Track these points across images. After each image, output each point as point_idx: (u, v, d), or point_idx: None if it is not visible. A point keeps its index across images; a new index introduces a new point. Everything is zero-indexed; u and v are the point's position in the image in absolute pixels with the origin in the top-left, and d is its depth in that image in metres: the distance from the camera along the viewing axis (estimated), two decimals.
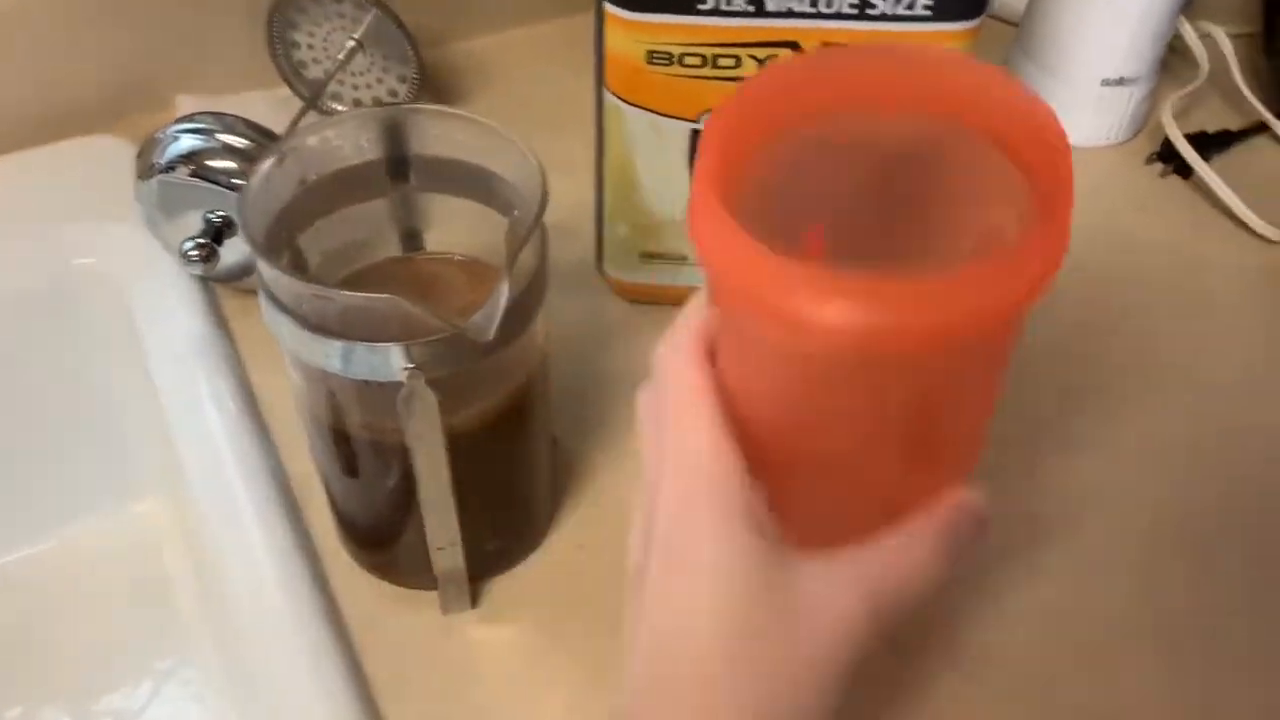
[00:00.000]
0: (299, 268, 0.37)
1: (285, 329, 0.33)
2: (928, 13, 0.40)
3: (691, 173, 0.44)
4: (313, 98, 0.57)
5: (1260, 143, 0.60)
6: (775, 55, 0.42)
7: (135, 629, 0.56)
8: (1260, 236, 0.55)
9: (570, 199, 0.51)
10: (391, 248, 0.41)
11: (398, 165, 0.38)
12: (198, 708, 0.53)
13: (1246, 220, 0.55)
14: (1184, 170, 0.58)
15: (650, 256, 0.49)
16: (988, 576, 0.42)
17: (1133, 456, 0.46)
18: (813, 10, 0.40)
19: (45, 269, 0.52)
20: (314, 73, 0.58)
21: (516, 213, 0.36)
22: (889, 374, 0.26)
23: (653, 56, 0.42)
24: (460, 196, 0.38)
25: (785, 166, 0.28)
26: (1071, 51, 0.58)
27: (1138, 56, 0.57)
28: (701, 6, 0.40)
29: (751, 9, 0.40)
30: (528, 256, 0.33)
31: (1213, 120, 0.61)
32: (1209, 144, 0.59)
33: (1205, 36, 0.62)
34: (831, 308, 0.22)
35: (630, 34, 0.41)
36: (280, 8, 0.55)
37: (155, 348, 0.49)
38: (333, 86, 0.58)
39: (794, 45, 0.41)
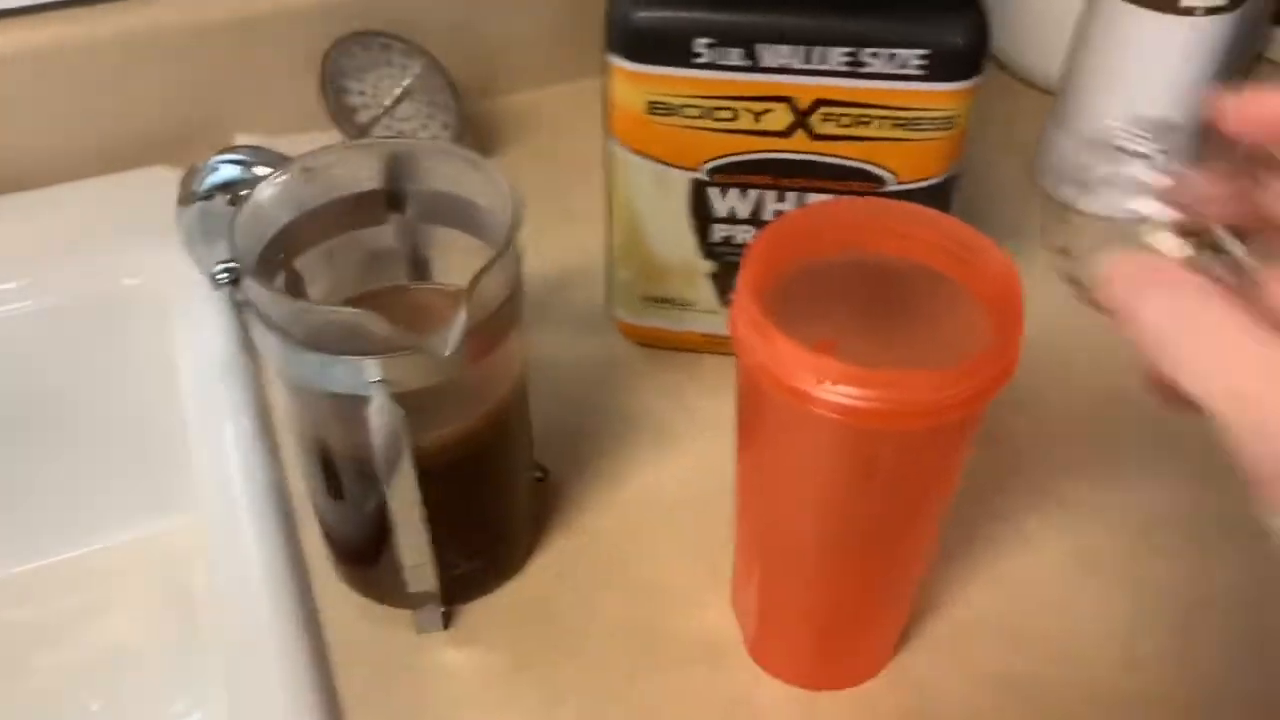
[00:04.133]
0: (296, 289, 0.39)
1: (271, 344, 0.36)
2: (921, 72, 0.41)
3: (693, 222, 0.46)
4: (357, 139, 0.60)
5: None
6: (770, 109, 0.43)
7: (158, 638, 0.59)
8: None
9: (589, 245, 0.53)
10: (399, 277, 0.43)
11: (394, 197, 0.40)
12: (199, 714, 0.55)
13: None
14: None
15: (654, 300, 0.50)
16: None
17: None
18: (806, 67, 0.42)
19: (95, 288, 0.55)
20: (363, 117, 0.61)
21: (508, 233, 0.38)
22: (872, 443, 0.32)
23: (654, 107, 0.43)
24: (453, 228, 0.40)
25: (801, 284, 0.35)
26: (1108, 123, 0.58)
27: None
28: (698, 60, 0.42)
29: (747, 64, 0.42)
30: (496, 282, 0.35)
31: None
32: None
33: None
34: (827, 387, 0.30)
35: (632, 84, 0.43)
36: (333, 55, 0.59)
37: (186, 366, 0.52)
38: (379, 130, 0.62)
39: (788, 100, 0.43)
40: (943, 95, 0.42)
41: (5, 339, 0.55)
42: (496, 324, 0.36)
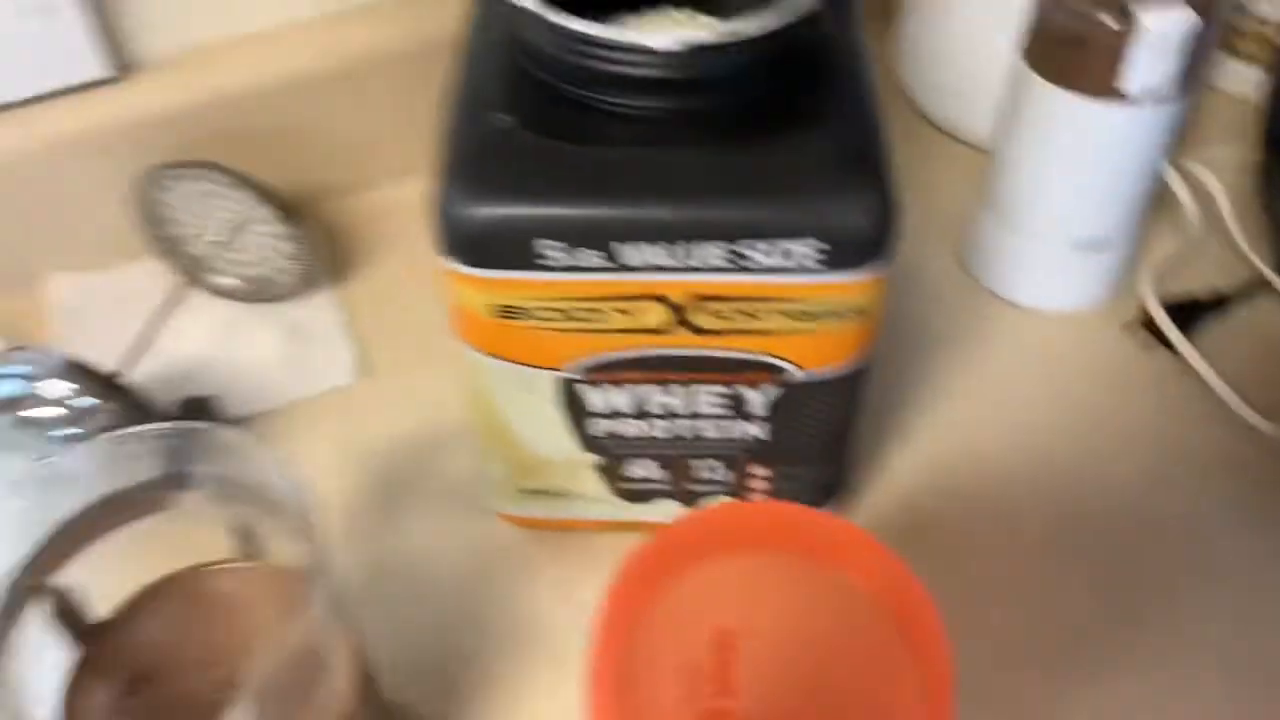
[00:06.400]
0: (67, 605, 0.32)
1: None
2: (819, 265, 0.34)
3: (567, 419, 0.38)
4: (191, 273, 0.52)
5: (1263, 304, 0.53)
6: (641, 307, 0.35)
7: None
8: (1249, 425, 0.48)
9: (459, 399, 0.45)
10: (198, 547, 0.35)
11: (178, 479, 0.32)
12: None
13: (1233, 405, 0.48)
14: (1169, 340, 0.51)
15: (535, 492, 0.43)
16: None
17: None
18: (677, 264, 0.34)
19: None
20: (195, 248, 0.53)
21: (307, 547, 0.31)
22: None
23: (503, 311, 0.36)
24: (248, 508, 0.33)
25: (697, 587, 0.30)
26: (1039, 210, 0.51)
27: (1113, 215, 0.50)
28: (549, 264, 0.34)
29: (610, 265, 0.34)
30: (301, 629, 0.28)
31: (1207, 277, 0.53)
32: (1198, 310, 0.52)
33: (1194, 181, 0.54)
34: None
35: (474, 289, 0.35)
36: (146, 188, 0.50)
37: None
38: (214, 261, 0.53)
39: (662, 299, 0.35)
40: (848, 286, 0.35)
41: None
42: (302, 676, 0.29)
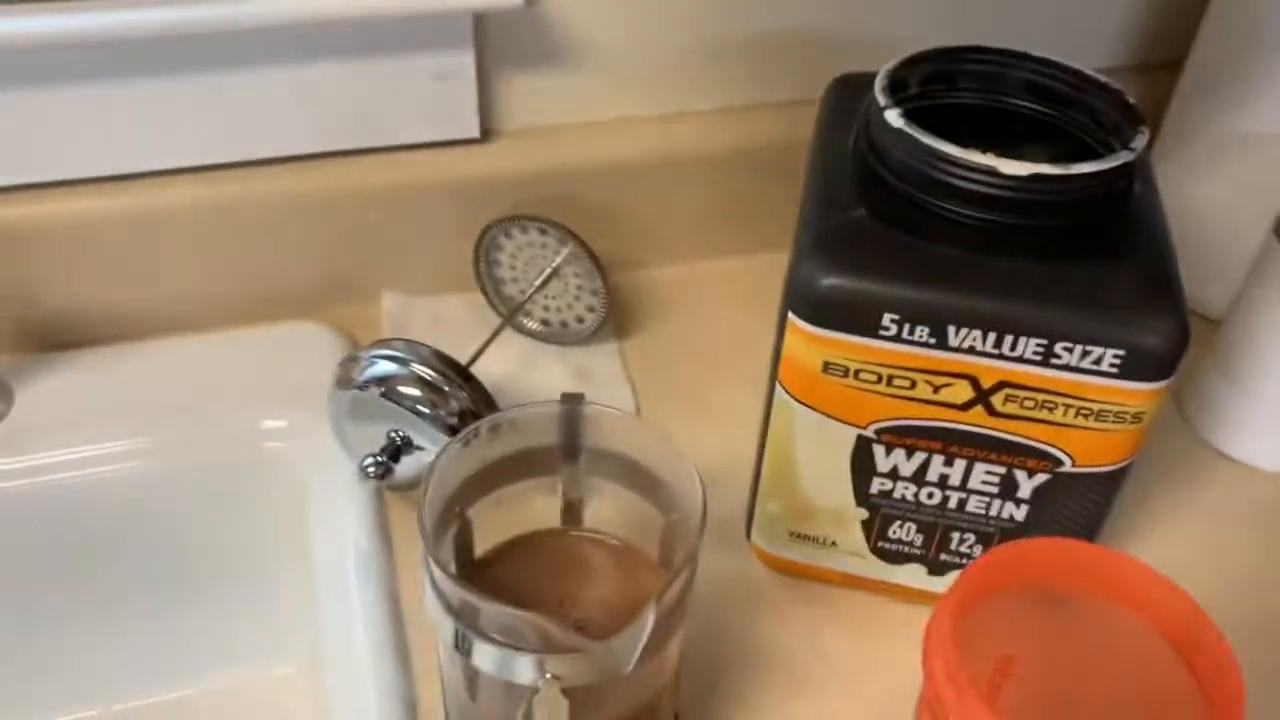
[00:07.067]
0: (464, 537, 0.39)
1: (443, 621, 0.35)
2: (1115, 370, 0.40)
3: (852, 473, 0.45)
4: (509, 315, 0.61)
5: None
6: (950, 384, 0.42)
7: None
8: None
9: (725, 445, 0.51)
10: (552, 517, 0.42)
11: (570, 450, 0.39)
12: None
13: None
14: None
15: (799, 536, 0.49)
16: None
17: None
18: (994, 351, 0.41)
19: (237, 447, 0.56)
20: (510, 290, 0.62)
21: (674, 516, 0.38)
22: None
23: (829, 367, 0.43)
24: (623, 487, 0.40)
25: (995, 610, 0.36)
26: (1273, 378, 0.56)
27: None
28: (884, 332, 0.41)
29: (933, 341, 0.41)
30: (672, 589, 0.34)
31: None
32: None
33: None
34: None
35: (809, 344, 0.42)
36: (491, 231, 0.59)
37: (320, 544, 0.52)
38: (528, 304, 0.62)
39: (970, 378, 0.42)
40: (1135, 394, 0.41)
41: (138, 491, 0.55)
42: (666, 626, 0.35)
